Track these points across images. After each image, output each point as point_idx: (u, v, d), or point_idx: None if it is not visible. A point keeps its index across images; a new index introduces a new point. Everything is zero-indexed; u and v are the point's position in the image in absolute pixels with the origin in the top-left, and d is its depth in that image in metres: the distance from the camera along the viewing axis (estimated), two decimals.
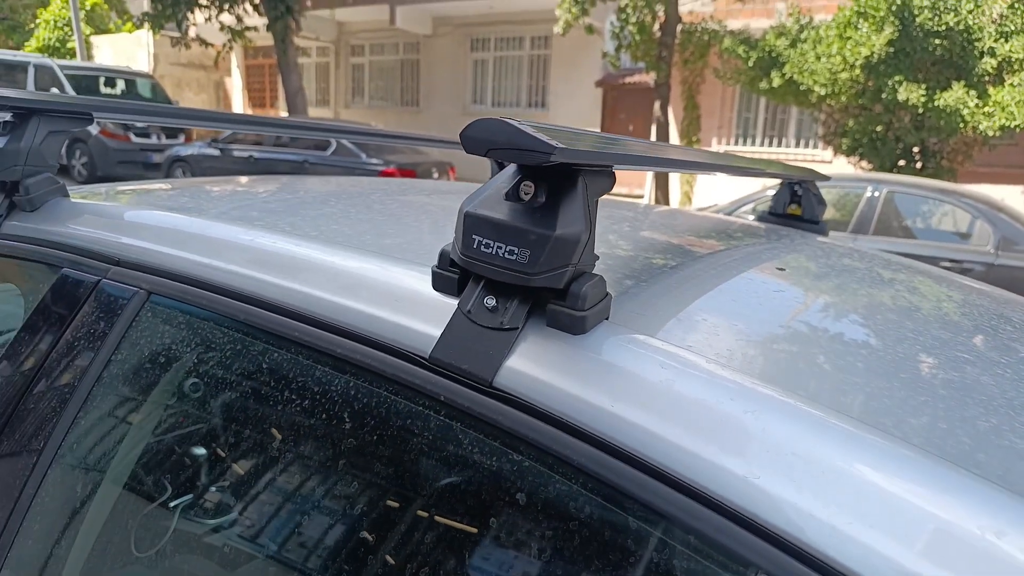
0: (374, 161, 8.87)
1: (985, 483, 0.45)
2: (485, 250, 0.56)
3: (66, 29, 20.81)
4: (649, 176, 12.83)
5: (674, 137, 12.95)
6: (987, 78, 8.08)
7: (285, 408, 0.74)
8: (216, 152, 10.09)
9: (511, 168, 0.59)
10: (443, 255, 0.63)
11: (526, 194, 0.55)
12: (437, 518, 0.66)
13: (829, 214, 5.61)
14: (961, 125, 8.05)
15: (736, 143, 13.50)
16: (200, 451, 0.83)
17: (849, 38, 8.43)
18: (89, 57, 18.45)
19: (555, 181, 0.55)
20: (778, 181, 1.46)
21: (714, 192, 12.07)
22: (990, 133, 7.91)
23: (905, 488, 0.45)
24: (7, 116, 1.03)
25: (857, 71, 8.37)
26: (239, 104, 20.60)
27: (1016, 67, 7.77)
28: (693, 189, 12.98)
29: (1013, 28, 7.74)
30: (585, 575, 0.56)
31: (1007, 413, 0.59)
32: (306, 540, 0.73)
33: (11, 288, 1.17)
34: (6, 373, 0.90)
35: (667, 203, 11.92)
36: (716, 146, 13.37)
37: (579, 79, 14.81)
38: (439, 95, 17.00)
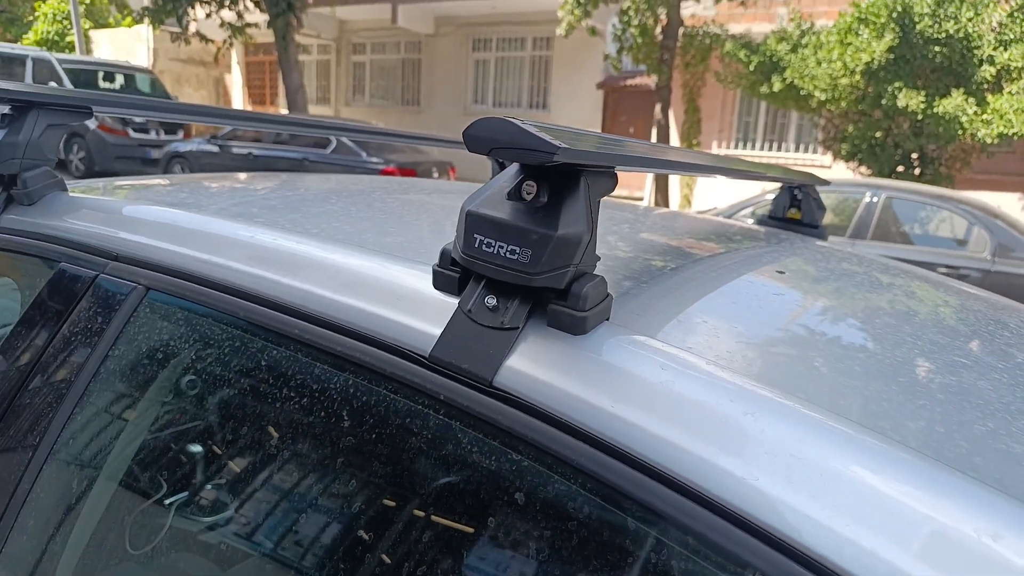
0: (374, 160, 8.85)
1: (982, 486, 0.45)
2: (486, 249, 0.56)
3: (65, 23, 20.78)
4: (649, 178, 12.85)
5: (675, 140, 12.96)
6: (986, 86, 8.11)
7: (283, 406, 0.74)
8: (215, 149, 10.04)
9: (513, 168, 0.59)
10: (444, 254, 0.62)
11: (528, 194, 0.55)
12: (436, 517, 0.66)
13: (827, 218, 5.62)
14: (960, 132, 8.09)
15: (736, 147, 13.53)
16: (197, 448, 0.82)
17: (850, 44, 8.45)
18: (88, 51, 18.39)
19: (557, 181, 0.55)
20: (778, 185, 1.46)
21: (714, 195, 12.09)
22: (988, 140, 7.95)
23: (902, 491, 0.45)
24: (5, 109, 1.02)
25: (857, 77, 8.40)
26: (239, 101, 20.55)
27: (1015, 75, 7.80)
28: (693, 192, 13.01)
29: (1012, 37, 7.78)
30: (584, 575, 0.56)
31: (1004, 417, 0.59)
32: (303, 539, 0.73)
33: (8, 282, 1.17)
34: (2, 368, 0.89)
35: (667, 205, 11.93)
36: (716, 149, 13.39)
37: (580, 81, 14.82)
38: (440, 95, 16.99)
